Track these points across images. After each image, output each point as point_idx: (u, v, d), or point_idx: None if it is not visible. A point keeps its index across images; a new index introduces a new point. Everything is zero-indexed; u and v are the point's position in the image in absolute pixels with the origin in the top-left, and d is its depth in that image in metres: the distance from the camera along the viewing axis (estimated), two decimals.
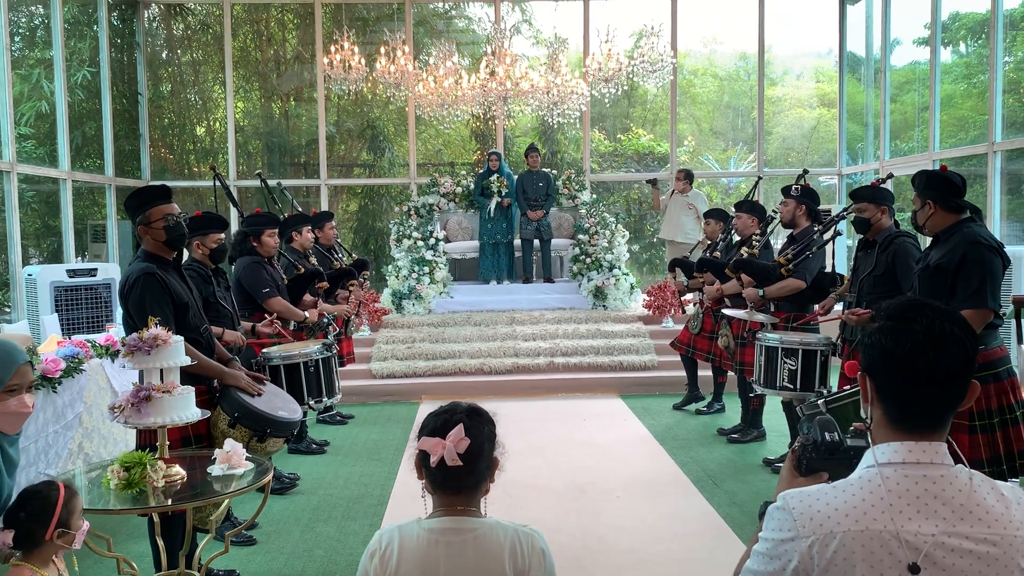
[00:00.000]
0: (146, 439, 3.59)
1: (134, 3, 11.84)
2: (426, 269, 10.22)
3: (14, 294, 8.59)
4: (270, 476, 3.32)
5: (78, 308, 8.04)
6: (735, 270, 6.06)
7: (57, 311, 7.86)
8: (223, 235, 4.65)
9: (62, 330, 7.50)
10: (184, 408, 3.27)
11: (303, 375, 5.35)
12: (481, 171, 10.81)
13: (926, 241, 4.17)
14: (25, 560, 2.50)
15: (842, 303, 5.16)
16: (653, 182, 11.02)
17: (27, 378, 2.47)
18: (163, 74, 13.22)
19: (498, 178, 10.43)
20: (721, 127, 17.09)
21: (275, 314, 5.64)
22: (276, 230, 5.90)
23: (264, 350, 5.36)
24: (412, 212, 10.88)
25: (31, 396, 2.49)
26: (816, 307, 5.62)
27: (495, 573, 1.92)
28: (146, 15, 12.34)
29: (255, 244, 5.74)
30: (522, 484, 5.59)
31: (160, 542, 3.41)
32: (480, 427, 2.05)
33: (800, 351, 5.18)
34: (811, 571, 1.46)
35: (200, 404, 3.49)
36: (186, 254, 4.26)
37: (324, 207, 11.61)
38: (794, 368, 5.17)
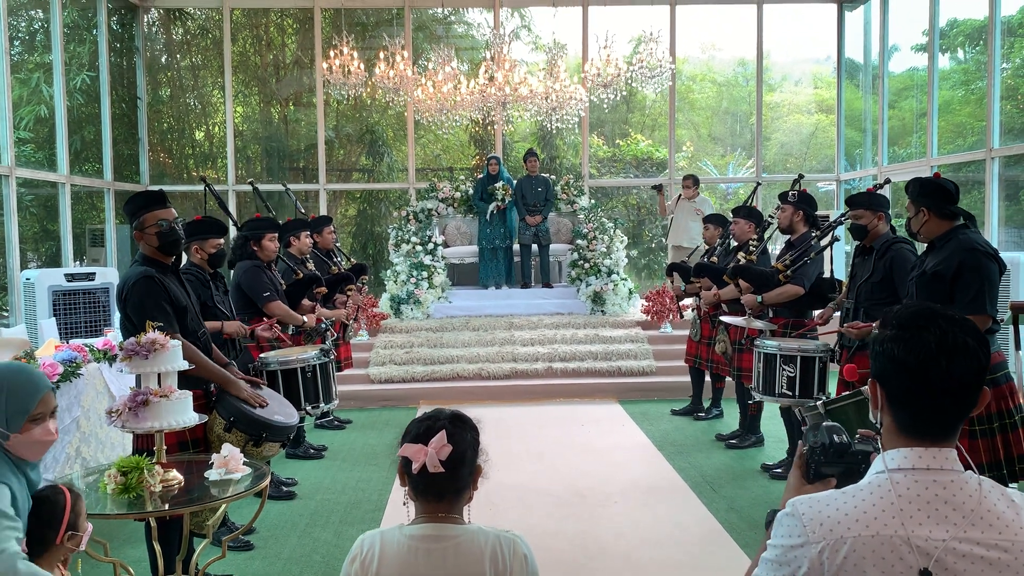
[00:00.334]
0: (143, 443, 3.58)
1: (133, 8, 11.85)
2: (424, 274, 10.22)
3: (12, 298, 8.59)
4: (267, 481, 3.32)
5: (76, 312, 8.04)
6: (733, 276, 6.07)
7: (55, 315, 7.85)
8: (222, 240, 4.65)
9: (60, 334, 7.50)
10: (181, 412, 3.27)
11: (300, 380, 5.34)
12: (481, 176, 10.83)
13: (923, 247, 4.18)
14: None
15: (840, 310, 5.16)
16: (658, 188, 11.03)
17: (50, 405, 2.45)
18: (162, 79, 13.23)
19: (503, 186, 10.45)
20: (719, 133, 17.11)
21: (275, 318, 5.64)
22: (276, 234, 5.90)
23: (261, 355, 5.36)
24: (411, 217, 10.89)
25: (54, 422, 2.47)
26: (815, 315, 5.62)
27: (477, 574, 1.92)
28: (145, 20, 12.35)
29: (255, 248, 5.74)
30: (520, 489, 5.59)
31: (157, 547, 3.40)
32: (463, 434, 2.05)
33: (799, 358, 5.18)
34: None
35: (197, 408, 3.49)
36: (184, 258, 4.26)
37: (323, 212, 11.61)
38: (793, 375, 5.17)
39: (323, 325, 6.29)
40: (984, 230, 8.38)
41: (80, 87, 10.83)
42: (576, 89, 9.81)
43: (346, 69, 9.82)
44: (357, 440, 7.12)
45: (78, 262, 10.27)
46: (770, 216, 6.43)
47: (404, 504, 2.07)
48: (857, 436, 1.74)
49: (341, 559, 4.42)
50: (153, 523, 3.41)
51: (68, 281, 8.05)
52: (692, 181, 10.14)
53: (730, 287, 6.29)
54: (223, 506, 3.44)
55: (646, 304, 9.84)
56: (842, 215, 5.20)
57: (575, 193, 11.24)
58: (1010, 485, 4.46)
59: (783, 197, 5.92)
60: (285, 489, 5.61)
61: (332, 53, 9.95)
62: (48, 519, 2.52)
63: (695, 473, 5.93)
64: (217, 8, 12.18)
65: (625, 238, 10.95)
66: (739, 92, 16.55)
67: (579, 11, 11.94)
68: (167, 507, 3.05)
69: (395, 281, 10.35)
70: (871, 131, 11.93)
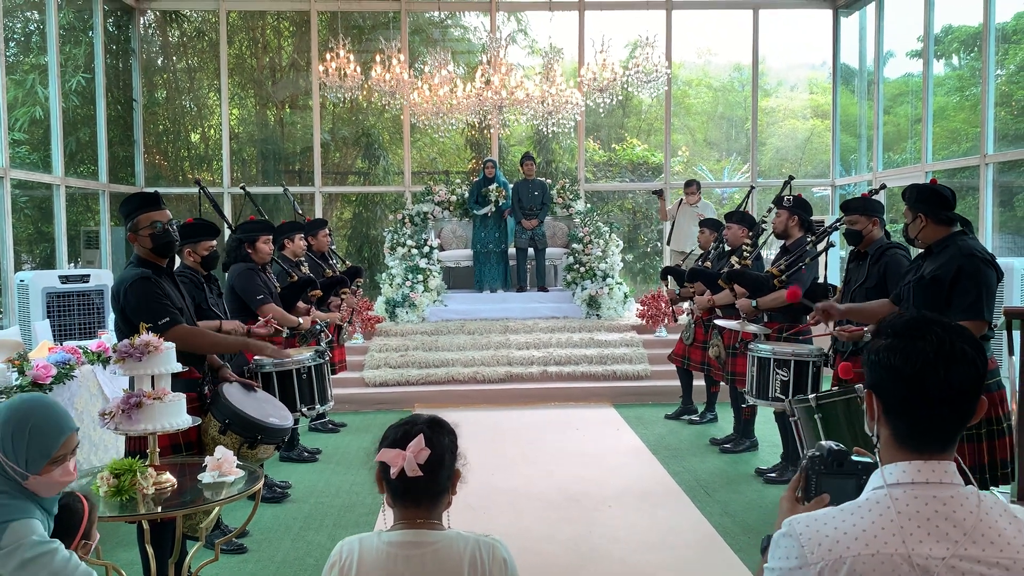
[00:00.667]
0: (136, 446, 3.57)
1: (130, 9, 11.84)
2: (420, 277, 10.22)
3: (6, 300, 8.56)
4: (261, 484, 3.31)
5: (70, 314, 8.02)
6: (728, 281, 6.07)
7: (49, 317, 7.84)
8: (214, 242, 4.65)
9: (54, 336, 7.48)
10: (175, 415, 3.26)
11: (295, 382, 5.34)
12: (476, 179, 10.83)
13: (917, 252, 4.19)
14: None
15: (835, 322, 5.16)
16: (659, 192, 11.03)
17: (72, 445, 2.40)
18: (158, 81, 13.21)
19: (497, 188, 10.46)
20: (715, 138, 17.15)
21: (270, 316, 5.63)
22: (271, 237, 5.90)
23: (256, 357, 5.35)
24: (406, 220, 10.88)
25: (74, 459, 2.42)
26: (808, 317, 5.62)
27: None
28: (142, 21, 12.34)
29: (249, 250, 5.73)
30: (514, 493, 5.58)
31: (149, 550, 3.39)
32: (440, 438, 2.04)
33: (792, 362, 5.19)
34: None
35: (191, 411, 3.48)
36: (178, 261, 4.25)
37: (318, 214, 11.60)
38: (786, 379, 5.17)
39: (318, 327, 6.28)
40: (978, 236, 8.39)
41: (76, 89, 10.82)
42: (572, 93, 9.81)
43: (342, 72, 9.81)
44: (351, 443, 7.11)
45: (72, 264, 10.25)
46: (763, 219, 6.44)
47: (382, 512, 2.06)
48: (854, 449, 1.72)
49: None
50: (146, 526, 3.39)
51: (62, 283, 8.03)
52: (695, 187, 10.15)
53: (725, 292, 6.29)
54: (216, 509, 3.43)
55: (641, 308, 9.84)
56: (837, 220, 5.21)
57: (571, 197, 11.25)
58: (990, 489, 4.47)
59: (778, 202, 5.93)
60: (279, 492, 5.60)
61: (328, 56, 9.95)
62: (67, 526, 2.53)
63: (689, 477, 5.93)
64: (213, 10, 12.17)
65: (620, 242, 10.96)
66: (735, 97, 16.59)
67: (575, 15, 11.95)
68: (160, 510, 3.04)
69: (390, 284, 10.34)
70: (866, 136, 11.96)
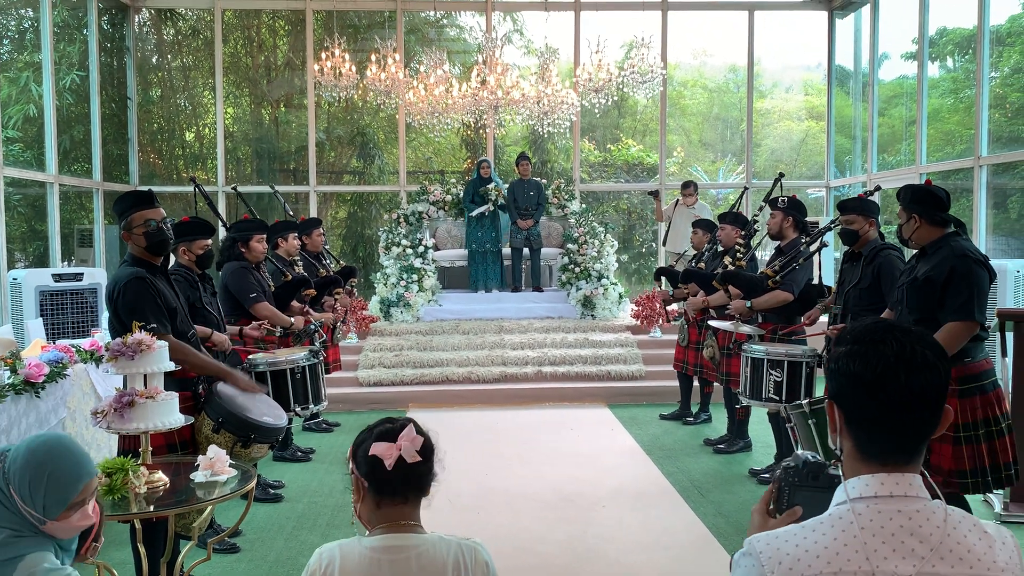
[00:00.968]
0: (129, 445, 3.56)
1: (124, 7, 11.81)
2: (414, 277, 10.21)
3: None
4: (254, 483, 3.30)
5: (64, 313, 7.99)
6: (723, 282, 6.08)
7: (42, 315, 7.81)
8: (209, 241, 4.63)
9: (47, 335, 7.45)
10: (167, 414, 3.24)
11: (289, 382, 5.32)
12: (471, 178, 10.82)
13: (911, 253, 4.20)
14: None
15: (827, 314, 5.18)
16: (655, 193, 11.02)
17: (91, 489, 2.33)
18: (153, 79, 13.18)
19: (495, 187, 10.46)
20: (710, 139, 17.16)
21: (265, 319, 5.62)
22: (264, 236, 5.89)
23: (250, 356, 5.34)
24: (401, 220, 10.87)
25: (93, 504, 2.35)
26: (802, 318, 5.64)
27: None
28: (136, 20, 12.30)
29: (243, 249, 5.72)
30: (509, 493, 5.58)
31: (142, 549, 3.38)
32: (423, 431, 2.03)
33: (786, 363, 5.19)
34: None
35: (184, 410, 3.47)
36: (172, 259, 4.24)
37: (313, 214, 11.59)
38: (780, 380, 5.18)
39: (312, 327, 6.27)
40: (972, 238, 8.42)
41: (70, 86, 10.79)
42: (568, 93, 9.82)
43: (337, 71, 9.80)
44: (345, 443, 7.06)
45: (66, 262, 10.22)
46: (754, 219, 6.45)
47: (352, 524, 2.06)
48: (832, 461, 1.66)
49: None
50: (138, 525, 3.39)
51: (55, 281, 8.00)
52: (692, 188, 10.14)
53: (719, 292, 6.30)
54: (209, 508, 3.42)
55: (636, 308, 9.85)
56: (832, 221, 5.22)
57: (566, 197, 11.25)
58: (995, 491, 4.48)
59: (773, 203, 5.94)
60: (272, 492, 5.59)
61: (323, 55, 9.93)
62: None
63: (683, 478, 5.93)
64: (208, 9, 12.14)
65: (615, 242, 10.97)
66: (730, 98, 16.61)
67: (571, 16, 11.96)
68: (152, 509, 3.03)
69: (385, 284, 10.33)
70: (861, 138, 11.99)
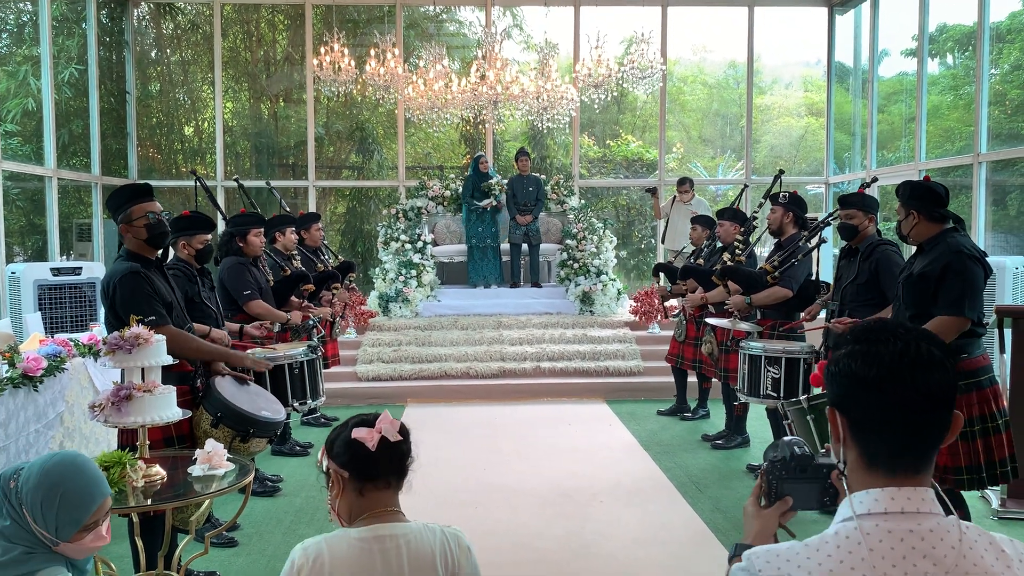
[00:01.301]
0: (127, 438, 3.56)
1: (123, 1, 11.78)
2: (413, 272, 10.21)
3: None
4: (251, 477, 3.30)
5: (62, 307, 7.99)
6: (722, 277, 6.08)
7: (41, 309, 7.81)
8: (209, 236, 4.63)
9: (45, 329, 7.46)
10: (165, 408, 3.24)
11: (287, 377, 5.32)
12: (469, 174, 10.81)
13: (909, 249, 4.20)
14: None
15: (826, 310, 5.18)
16: (652, 190, 11.01)
17: (105, 509, 2.30)
18: (152, 73, 13.16)
19: (499, 182, 10.46)
20: (710, 135, 17.16)
21: (264, 317, 5.62)
22: (262, 230, 5.88)
23: (249, 351, 5.33)
24: (400, 215, 10.87)
25: (107, 522, 2.33)
26: (802, 314, 5.63)
27: (430, 571, 1.94)
28: (135, 13, 12.28)
29: (241, 244, 5.72)
30: (507, 488, 5.58)
31: (139, 543, 3.38)
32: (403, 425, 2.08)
33: (783, 359, 5.20)
34: None
35: (182, 404, 3.46)
36: (171, 254, 4.23)
37: (312, 209, 11.58)
38: (777, 376, 5.18)
39: (310, 322, 6.27)
40: (971, 234, 8.41)
41: (68, 81, 10.77)
42: (567, 89, 9.81)
43: (336, 66, 9.79)
44: None
45: (64, 256, 10.21)
46: (754, 215, 6.45)
47: (331, 522, 2.07)
48: (822, 451, 1.61)
49: None
50: (135, 518, 3.39)
51: (54, 275, 8.00)
52: (689, 185, 10.14)
53: (718, 288, 6.30)
54: (207, 502, 3.42)
55: (634, 305, 9.85)
56: (830, 215, 5.21)
57: (565, 193, 11.24)
58: (989, 488, 4.48)
59: (773, 198, 5.93)
60: (270, 485, 5.59)
61: (323, 50, 9.92)
62: None
63: (681, 473, 5.94)
64: (207, 3, 12.12)
65: (614, 238, 10.96)
66: (730, 94, 16.60)
67: (571, 11, 11.94)
68: (150, 503, 3.03)
69: (384, 279, 10.33)
70: (860, 135, 11.98)
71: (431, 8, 13.00)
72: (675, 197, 10.26)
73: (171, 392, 3.29)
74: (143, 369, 3.25)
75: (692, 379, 7.63)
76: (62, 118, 10.51)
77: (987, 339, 4.14)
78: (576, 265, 10.45)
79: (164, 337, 3.36)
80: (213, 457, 3.21)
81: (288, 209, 8.59)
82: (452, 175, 11.77)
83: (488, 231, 10.59)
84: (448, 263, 11.08)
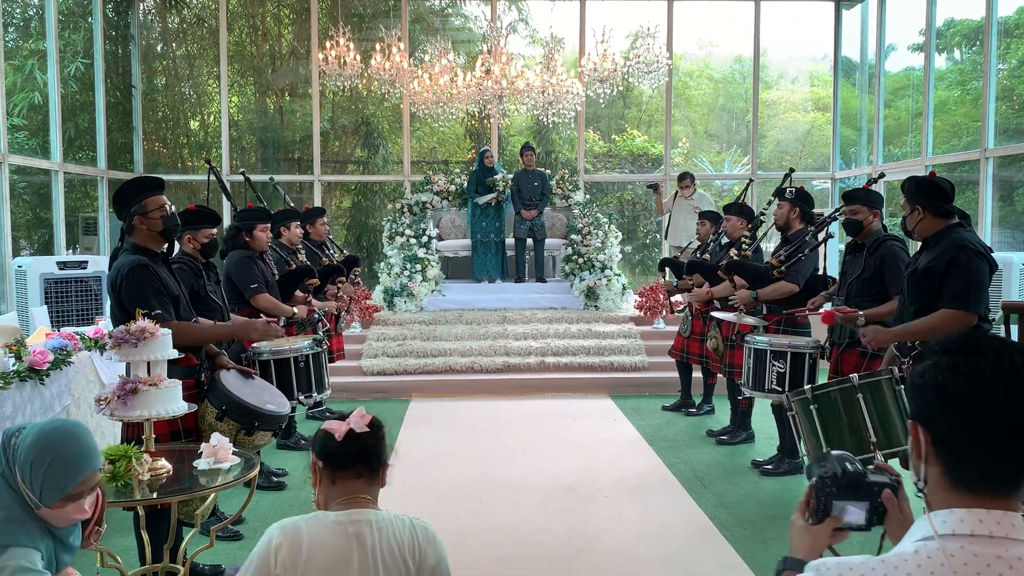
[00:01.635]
0: (132, 432, 3.57)
1: None
2: (418, 267, 10.21)
3: (4, 285, 8.55)
4: (256, 470, 3.32)
5: (68, 300, 8.02)
6: (728, 272, 6.07)
7: (47, 303, 7.83)
8: (214, 230, 4.64)
9: (51, 322, 7.48)
10: (170, 401, 3.26)
11: (293, 370, 5.34)
12: (474, 168, 10.80)
13: (914, 245, 4.19)
14: None
15: (831, 306, 5.17)
16: (654, 187, 11.00)
17: (91, 483, 2.32)
18: (157, 67, 13.17)
19: (503, 178, 10.45)
20: (716, 129, 17.12)
21: (269, 311, 5.63)
22: (268, 225, 5.89)
23: (254, 344, 5.35)
24: (405, 209, 10.87)
25: (92, 497, 2.34)
26: (808, 303, 5.62)
27: (399, 562, 2.01)
28: (141, 7, 12.29)
29: (247, 239, 5.73)
30: (511, 483, 5.59)
31: (145, 536, 3.40)
32: (376, 419, 2.20)
33: (788, 354, 5.19)
34: None
35: (188, 398, 3.48)
36: (176, 247, 4.24)
37: (317, 203, 11.58)
38: (782, 371, 5.18)
39: (315, 316, 6.28)
40: (977, 230, 8.40)
41: (74, 74, 10.78)
42: (573, 83, 9.79)
43: (342, 60, 9.78)
44: None
45: (71, 250, 10.24)
46: (762, 213, 6.43)
47: (314, 502, 2.18)
48: (871, 467, 1.55)
49: None
50: (141, 512, 3.40)
51: (60, 269, 8.02)
52: (689, 179, 10.14)
53: (724, 283, 6.29)
54: (212, 495, 3.44)
55: (639, 300, 9.84)
56: (836, 210, 5.20)
57: (570, 188, 11.23)
58: None
59: (780, 194, 5.93)
60: (275, 479, 5.61)
61: (328, 44, 9.91)
62: None
63: (685, 468, 5.94)
64: None
65: (619, 233, 10.96)
66: (736, 89, 16.55)
67: (577, 5, 11.91)
68: (155, 496, 3.04)
69: (389, 274, 10.34)
70: (867, 130, 11.94)
71: (437, 2, 12.99)
72: (677, 192, 10.25)
73: (176, 386, 3.31)
74: (149, 363, 3.26)
75: (697, 374, 7.62)
76: (68, 112, 10.53)
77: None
78: (581, 260, 10.44)
79: (170, 331, 3.37)
80: (219, 451, 3.22)
81: (291, 204, 8.60)
82: (457, 170, 11.78)
83: (492, 226, 10.59)
84: (453, 258, 11.08)
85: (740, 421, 6.67)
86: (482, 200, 10.47)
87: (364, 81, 10.32)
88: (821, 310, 5.31)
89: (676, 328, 7.79)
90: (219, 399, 3.82)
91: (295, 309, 5.98)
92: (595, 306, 10.18)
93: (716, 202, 13.88)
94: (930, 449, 1.29)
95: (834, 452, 1.56)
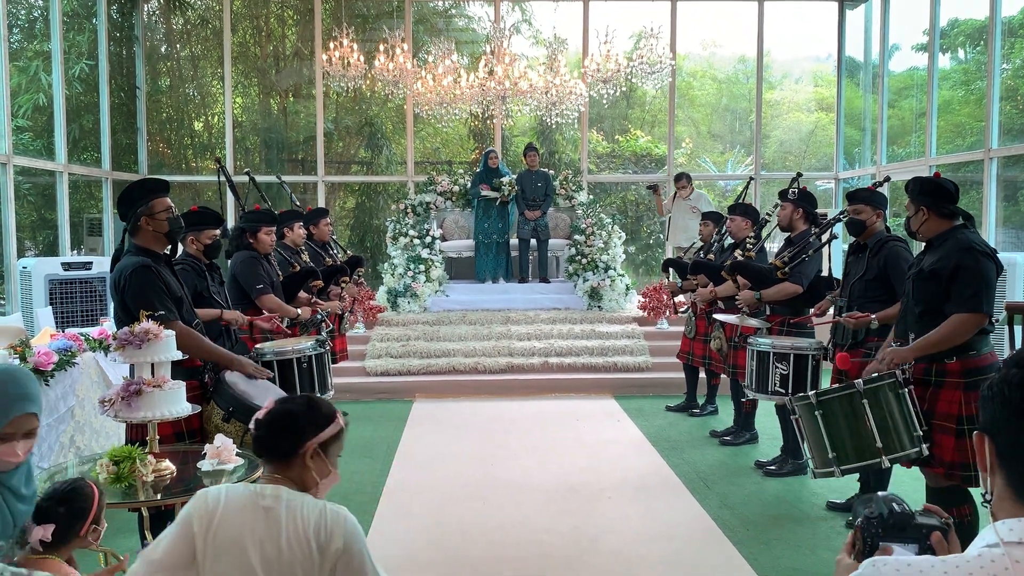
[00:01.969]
0: (136, 433, 3.58)
1: None
2: (422, 267, 10.22)
3: (9, 286, 8.58)
4: (260, 471, 3.32)
5: (72, 301, 8.04)
6: (731, 272, 6.07)
7: (51, 304, 7.86)
8: (217, 231, 4.64)
9: (56, 323, 7.50)
10: (174, 403, 3.27)
11: (296, 371, 5.34)
12: (478, 169, 10.81)
13: (918, 246, 4.18)
14: (47, 554, 2.50)
15: (835, 306, 5.17)
16: (654, 188, 11.00)
17: (23, 428, 2.24)
18: (162, 68, 13.20)
19: (509, 180, 10.45)
20: (719, 130, 17.11)
21: (275, 311, 5.64)
22: (273, 228, 5.90)
23: (257, 345, 5.35)
24: (409, 210, 10.88)
25: (27, 444, 2.26)
26: (812, 309, 5.62)
27: (303, 540, 2.09)
28: (145, 9, 12.32)
29: (251, 240, 5.74)
30: (514, 484, 5.60)
31: (149, 537, 3.40)
32: (305, 409, 2.31)
33: (791, 355, 5.19)
34: None
35: (192, 399, 3.49)
36: (180, 249, 4.25)
37: (321, 204, 11.61)
38: (785, 372, 5.17)
39: (318, 316, 6.28)
40: (982, 230, 8.39)
41: (79, 76, 10.81)
42: (576, 84, 9.79)
43: (346, 61, 9.80)
44: (352, 432, 7.08)
45: (75, 251, 10.27)
46: (767, 214, 6.43)
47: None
48: (919, 510, 1.52)
49: None
50: (145, 513, 3.40)
51: (65, 270, 8.04)
52: (686, 180, 10.13)
53: (727, 284, 6.29)
54: None
55: (643, 300, 9.84)
56: (841, 212, 5.20)
57: (574, 188, 11.24)
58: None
59: (783, 195, 5.92)
60: None
61: (332, 45, 9.93)
62: (79, 511, 2.54)
63: (689, 469, 5.94)
64: None
65: (623, 234, 10.96)
66: (739, 89, 16.54)
67: (580, 6, 11.92)
68: (159, 497, 3.05)
69: (392, 274, 10.35)
70: (870, 130, 11.93)
71: (440, 3, 13.00)
72: (676, 193, 10.25)
73: (180, 387, 3.32)
74: (153, 364, 3.27)
75: (701, 375, 7.62)
76: (72, 113, 10.56)
77: (995, 336, 4.12)
78: (584, 260, 10.45)
79: (174, 333, 3.38)
80: (222, 452, 3.23)
81: (298, 203, 8.61)
82: (461, 170, 11.78)
83: (495, 226, 10.59)
84: (456, 258, 11.09)
85: (744, 422, 6.67)
86: (484, 192, 10.42)
87: (368, 82, 10.33)
88: (826, 315, 5.31)
89: (680, 328, 7.79)
90: (226, 400, 3.82)
91: (299, 311, 5.99)
92: (599, 307, 10.18)
93: (719, 203, 13.88)
94: (995, 460, 1.28)
95: (880, 493, 1.54)
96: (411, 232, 10.56)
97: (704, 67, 17.17)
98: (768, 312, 5.92)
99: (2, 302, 9.25)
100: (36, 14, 11.17)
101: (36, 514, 2.49)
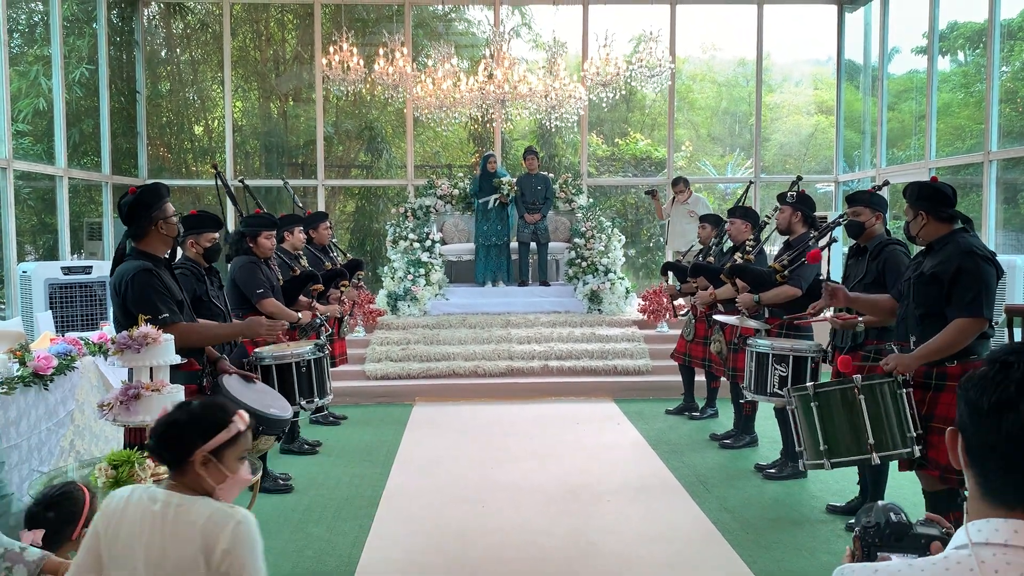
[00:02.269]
0: (135, 437, 3.58)
1: (133, 1, 11.84)
2: (422, 271, 10.23)
3: (9, 291, 8.58)
4: (259, 475, 3.32)
5: (72, 306, 8.05)
6: (731, 275, 6.07)
7: (51, 308, 7.86)
8: (217, 235, 4.66)
9: (56, 327, 7.51)
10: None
11: (295, 375, 5.34)
12: (478, 173, 10.82)
13: (917, 250, 4.19)
14: None
15: (834, 309, 5.17)
16: (652, 192, 11.00)
17: None
18: (162, 72, 13.22)
19: (509, 181, 10.46)
20: (719, 133, 17.12)
21: (275, 316, 5.64)
22: (273, 232, 5.91)
23: (256, 350, 5.36)
24: (409, 214, 10.89)
25: None
26: (809, 308, 5.62)
27: (187, 544, 2.07)
28: (145, 13, 12.34)
29: (251, 245, 5.75)
30: (514, 486, 5.59)
31: None
32: (190, 413, 2.22)
33: (791, 357, 5.19)
34: None
35: None
36: (179, 253, 4.26)
37: (321, 208, 11.61)
38: (784, 374, 5.17)
39: (317, 320, 6.29)
40: (981, 233, 8.39)
41: (79, 80, 10.83)
42: (575, 87, 9.80)
43: (345, 65, 9.81)
44: (352, 436, 7.12)
45: (75, 255, 10.27)
46: (767, 217, 6.43)
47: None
48: (919, 520, 1.52)
49: (333, 555, 4.45)
50: None
51: (65, 274, 8.05)
52: (683, 184, 10.13)
53: (727, 286, 6.29)
54: None
55: (643, 303, 9.84)
56: (841, 215, 5.20)
57: (573, 192, 11.24)
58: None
59: (781, 198, 5.93)
60: (282, 483, 5.61)
61: (332, 49, 9.95)
62: (68, 515, 2.55)
63: (689, 472, 5.94)
64: (217, 2, 12.16)
65: (623, 237, 10.96)
66: (739, 92, 16.56)
67: (579, 9, 11.93)
68: None
69: (392, 278, 10.35)
70: (870, 133, 11.94)
71: (440, 7, 13.00)
72: (674, 198, 10.25)
73: (179, 391, 3.32)
74: (151, 368, 3.27)
75: (700, 378, 7.62)
76: (73, 117, 10.57)
77: (995, 340, 4.13)
78: (584, 264, 10.45)
79: (172, 336, 3.39)
80: None
81: (301, 206, 8.63)
82: (460, 174, 11.79)
83: (495, 229, 10.59)
84: (456, 262, 11.09)
85: (743, 425, 6.66)
86: (484, 199, 10.44)
87: (368, 86, 10.35)
88: (822, 314, 5.30)
89: (680, 332, 7.78)
90: None
91: (300, 315, 5.99)
92: (598, 310, 10.18)
93: (720, 206, 13.88)
94: (965, 458, 1.28)
95: (880, 502, 1.54)
96: (411, 235, 10.57)
97: (704, 70, 17.19)
98: (767, 315, 5.92)
99: (2, 306, 9.25)
100: (36, 19, 11.18)
101: (26, 519, 2.51)
